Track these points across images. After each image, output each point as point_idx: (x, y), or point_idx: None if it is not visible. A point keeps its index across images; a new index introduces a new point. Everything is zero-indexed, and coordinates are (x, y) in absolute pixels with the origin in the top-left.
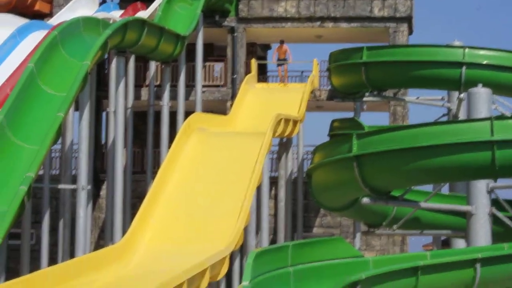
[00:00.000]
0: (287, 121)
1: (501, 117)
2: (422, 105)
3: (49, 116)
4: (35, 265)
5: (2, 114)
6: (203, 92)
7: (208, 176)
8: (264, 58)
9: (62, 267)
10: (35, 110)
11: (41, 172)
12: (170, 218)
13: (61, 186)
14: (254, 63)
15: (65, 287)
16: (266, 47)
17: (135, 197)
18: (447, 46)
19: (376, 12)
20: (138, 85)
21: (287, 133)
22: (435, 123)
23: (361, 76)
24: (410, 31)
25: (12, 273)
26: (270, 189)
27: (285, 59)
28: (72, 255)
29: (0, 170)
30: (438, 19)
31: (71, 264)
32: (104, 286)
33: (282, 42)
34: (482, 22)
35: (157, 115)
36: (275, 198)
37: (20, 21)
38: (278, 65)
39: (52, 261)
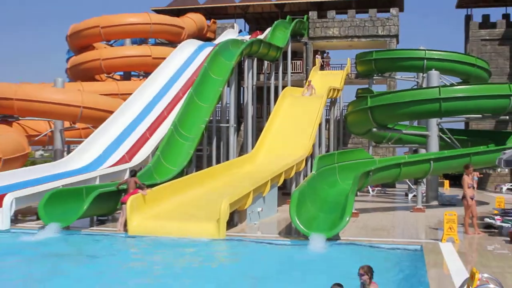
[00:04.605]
0: (334, 89)
1: (445, 86)
2: (404, 80)
3: (215, 89)
4: (209, 165)
5: (192, 89)
6: (291, 76)
7: (294, 119)
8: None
9: (222, 166)
10: (207, 87)
11: (211, 118)
12: (275, 141)
13: (221, 125)
14: (318, 60)
15: (223, 176)
16: (323, 52)
17: (258, 130)
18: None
19: (380, 32)
20: (258, 73)
21: (334, 96)
22: (411, 89)
23: (371, 66)
24: (397, 42)
25: (199, 169)
26: (326, 125)
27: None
28: (227, 159)
29: (190, 118)
30: (414, 35)
31: (227, 164)
32: (243, 174)
33: (309, 81)
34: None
35: (268, 88)
36: (328, 129)
37: (199, 42)
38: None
39: (218, 162)
